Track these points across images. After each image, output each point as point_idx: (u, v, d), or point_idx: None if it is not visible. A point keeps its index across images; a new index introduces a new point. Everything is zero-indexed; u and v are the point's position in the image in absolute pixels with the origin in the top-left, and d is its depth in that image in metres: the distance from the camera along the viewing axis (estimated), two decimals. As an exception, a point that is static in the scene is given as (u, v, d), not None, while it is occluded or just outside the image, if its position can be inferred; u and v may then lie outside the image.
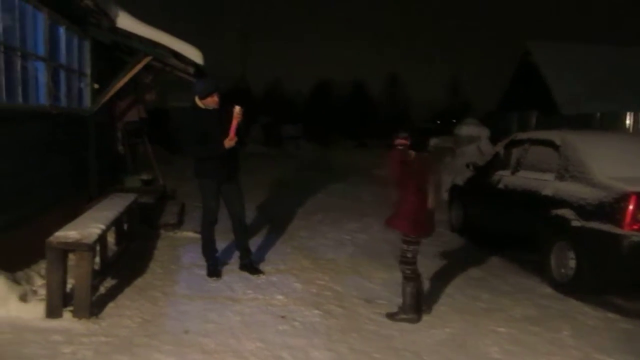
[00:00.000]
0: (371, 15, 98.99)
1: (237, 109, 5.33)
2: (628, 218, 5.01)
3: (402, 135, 4.58)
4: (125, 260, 5.91)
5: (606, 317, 4.90)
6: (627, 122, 11.28)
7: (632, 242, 4.97)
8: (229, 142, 5.31)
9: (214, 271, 5.57)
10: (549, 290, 5.61)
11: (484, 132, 15.08)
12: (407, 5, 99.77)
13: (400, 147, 4.56)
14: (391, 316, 4.61)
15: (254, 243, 6.65)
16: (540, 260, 5.96)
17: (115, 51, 9.19)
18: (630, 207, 5.01)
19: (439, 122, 50.06)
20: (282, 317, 4.52)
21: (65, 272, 4.30)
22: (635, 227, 4.98)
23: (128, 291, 4.97)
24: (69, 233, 4.42)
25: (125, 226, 6.58)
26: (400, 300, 4.74)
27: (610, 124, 11.55)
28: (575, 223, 5.44)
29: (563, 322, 4.71)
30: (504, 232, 6.93)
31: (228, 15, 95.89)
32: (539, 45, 23.61)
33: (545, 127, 12.23)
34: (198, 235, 6.23)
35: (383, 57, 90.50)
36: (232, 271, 5.72)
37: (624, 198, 5.06)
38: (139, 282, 5.26)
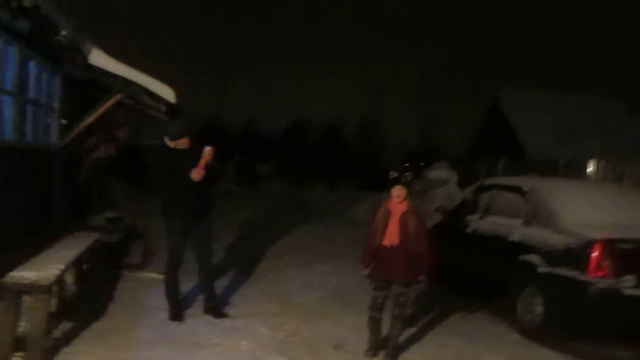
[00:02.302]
0: (348, 58, 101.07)
1: (207, 149, 5.31)
2: (593, 265, 5.07)
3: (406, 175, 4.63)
4: (85, 302, 5.69)
5: (573, 364, 4.88)
6: (591, 169, 11.60)
7: (597, 288, 5.01)
8: (195, 173, 5.23)
9: (177, 314, 5.41)
10: (517, 336, 5.58)
11: (453, 177, 15.25)
12: (383, 50, 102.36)
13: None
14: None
15: (220, 285, 6.51)
16: (508, 305, 5.95)
17: (88, 87, 9.11)
18: (595, 254, 5.08)
19: (406, 165, 50.63)
20: (246, 363, 4.38)
21: (18, 314, 4.11)
22: (601, 274, 5.04)
23: (86, 335, 4.77)
24: (24, 274, 4.24)
25: (87, 266, 6.38)
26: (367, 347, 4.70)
27: (575, 171, 11.84)
28: (542, 269, 5.48)
29: (531, 369, 4.67)
30: (472, 277, 6.92)
31: (204, 55, 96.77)
32: (509, 92, 24.34)
33: (513, 173, 12.47)
34: (162, 277, 6.05)
35: (357, 99, 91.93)
36: (196, 315, 5.56)
37: (589, 245, 5.13)
38: (97, 325, 5.06)
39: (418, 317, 5.98)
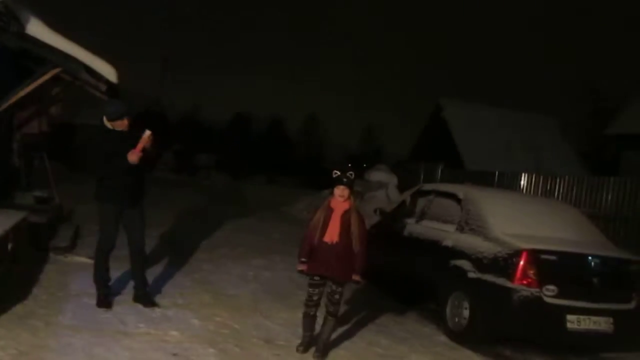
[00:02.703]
0: (297, 58, 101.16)
1: (147, 133, 5.16)
2: (519, 273, 5.29)
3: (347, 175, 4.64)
4: (6, 285, 5.39)
5: (495, 367, 5.08)
6: (522, 182, 12.15)
7: (521, 295, 5.24)
8: (132, 155, 5.07)
9: (105, 301, 5.23)
10: (443, 338, 5.76)
11: (392, 179, 15.56)
12: (331, 51, 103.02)
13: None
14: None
15: (152, 273, 6.34)
16: (437, 308, 6.13)
17: (23, 59, 8.64)
18: (522, 262, 5.30)
19: (350, 165, 51.28)
20: (174, 354, 4.29)
21: None
22: (525, 282, 5.27)
23: (5, 318, 4.53)
24: (-59, 250, 3.98)
25: (10, 246, 6.05)
26: (299, 342, 4.72)
27: (508, 183, 12.36)
28: (472, 275, 5.67)
29: (455, 371, 4.82)
30: (405, 279, 7.08)
31: (153, 39, 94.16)
32: (450, 102, 25.10)
33: (450, 180, 12.85)
34: (91, 261, 5.84)
35: (303, 98, 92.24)
36: (125, 302, 5.40)
37: (516, 254, 5.36)
38: (19, 309, 4.82)
39: (350, 315, 6.06)
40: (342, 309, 6.27)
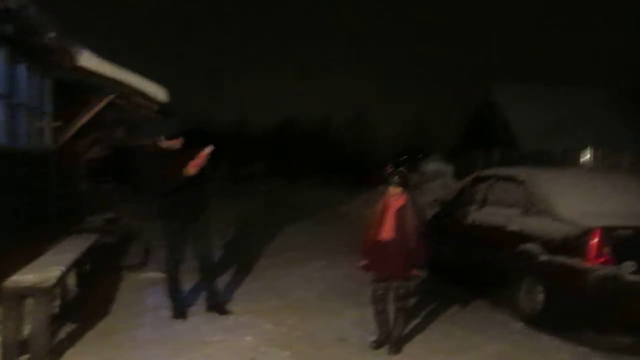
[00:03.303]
0: (337, 54, 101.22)
1: (209, 148, 5.26)
2: (593, 252, 5.09)
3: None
4: (87, 303, 5.67)
5: (577, 351, 4.91)
6: (586, 157, 11.68)
7: (597, 275, 5.04)
8: (189, 169, 5.19)
9: (180, 313, 5.39)
10: (520, 325, 5.61)
11: (448, 168, 15.36)
12: (373, 45, 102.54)
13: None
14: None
15: (221, 282, 6.48)
16: (509, 295, 5.98)
17: (79, 89, 9.05)
18: (595, 240, 5.09)
19: (401, 157, 50.82)
20: (252, 359, 4.37)
21: (21, 318, 4.08)
22: (600, 260, 5.07)
23: (89, 336, 4.75)
24: (25, 277, 4.21)
25: (87, 267, 6.34)
26: (373, 338, 4.71)
27: (570, 160, 11.93)
28: (543, 257, 5.50)
29: (536, 357, 4.70)
30: (472, 268, 6.95)
31: (195, 54, 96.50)
32: (501, 86, 24.50)
33: (507, 164, 12.53)
34: (163, 276, 6.04)
35: (348, 95, 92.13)
36: (199, 312, 5.55)
37: (588, 232, 5.15)
38: (101, 326, 5.04)
39: (421, 308, 6.00)
40: (412, 301, 6.27)
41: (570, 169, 9.20)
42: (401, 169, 4.73)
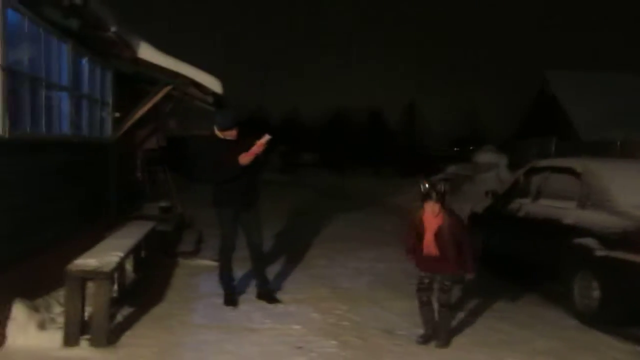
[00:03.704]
0: (390, 44, 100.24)
1: (266, 137, 5.35)
2: (653, 248, 4.89)
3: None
4: (143, 288, 5.90)
5: (634, 350, 4.75)
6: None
7: (657, 272, 4.84)
8: (244, 158, 5.29)
9: (231, 300, 5.54)
10: (572, 321, 5.47)
11: (502, 160, 15.00)
12: (424, 35, 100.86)
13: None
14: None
15: (272, 271, 6.62)
16: (562, 290, 5.83)
17: (137, 81, 9.37)
18: (656, 236, 4.89)
19: (456, 149, 49.95)
20: (299, 347, 4.45)
21: (83, 300, 4.30)
22: (662, 257, 4.86)
23: (145, 320, 4.95)
24: (87, 261, 4.44)
25: (143, 254, 6.60)
26: (420, 332, 4.71)
27: (630, 151, 11.41)
28: (599, 252, 5.32)
29: (589, 355, 4.57)
30: (524, 261, 6.81)
31: (247, 45, 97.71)
32: (557, 74, 23.67)
33: (564, 155, 12.12)
34: (215, 264, 6.22)
35: (400, 85, 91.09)
36: (249, 300, 5.68)
37: (648, 227, 4.95)
38: (156, 310, 5.24)
39: (469, 301, 5.94)
40: (460, 294, 6.21)
41: (628, 160, 8.81)
42: (439, 184, 4.48)
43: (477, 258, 4.61)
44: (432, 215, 4.47)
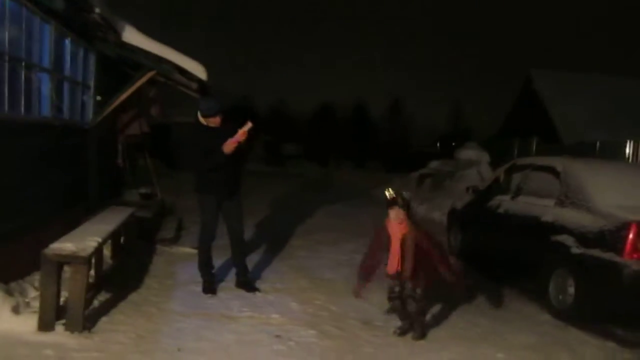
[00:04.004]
0: (374, 41, 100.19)
1: (249, 123, 5.31)
2: (628, 247, 4.98)
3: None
4: (121, 275, 5.85)
5: (605, 346, 4.84)
6: (627, 151, 11.34)
7: (632, 270, 4.93)
8: (228, 146, 5.25)
9: (210, 288, 5.52)
10: (547, 317, 5.55)
11: (484, 157, 15.12)
12: (410, 31, 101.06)
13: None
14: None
15: (252, 260, 6.61)
16: (539, 286, 5.90)
17: (121, 65, 9.25)
18: (631, 236, 4.98)
19: (439, 145, 50.27)
20: (278, 336, 4.46)
21: (59, 284, 4.24)
22: (636, 256, 4.95)
23: (122, 306, 4.91)
24: (64, 245, 4.38)
25: (122, 240, 6.54)
26: (397, 323, 4.73)
27: (610, 153, 11.59)
28: (575, 250, 5.40)
29: (562, 350, 4.64)
30: (502, 257, 6.88)
31: (234, 34, 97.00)
32: (541, 74, 23.85)
33: (545, 154, 12.28)
34: (195, 251, 6.19)
35: (385, 81, 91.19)
36: (228, 288, 5.67)
37: (624, 227, 5.04)
38: (134, 297, 5.20)
39: (447, 296, 5.98)
40: (442, 290, 6.24)
41: (610, 161, 8.94)
42: (404, 193, 4.45)
43: (459, 272, 4.58)
44: (397, 222, 4.40)
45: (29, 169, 5.53)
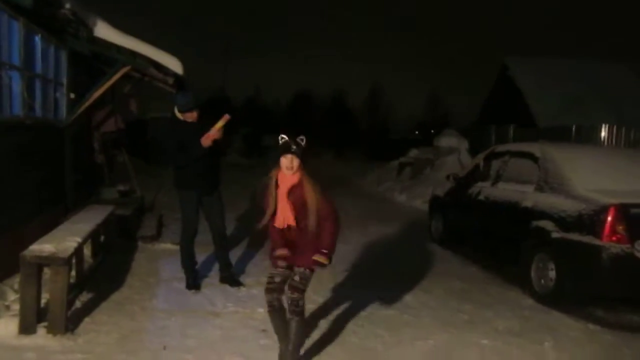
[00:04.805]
0: (352, 28, 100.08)
1: (226, 116, 5.26)
2: (607, 230, 5.06)
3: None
4: (102, 274, 5.77)
5: (587, 328, 4.93)
6: (602, 134, 11.53)
7: (611, 253, 5.01)
8: (206, 140, 5.20)
9: (194, 284, 5.48)
10: (530, 301, 5.63)
11: (463, 144, 15.24)
12: (387, 19, 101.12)
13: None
14: None
15: (234, 255, 6.56)
16: (521, 271, 5.98)
17: (94, 61, 9.06)
18: (609, 218, 5.06)
19: (417, 132, 50.55)
20: (263, 330, 4.42)
21: (39, 286, 4.16)
22: (614, 238, 5.04)
23: (105, 306, 4.84)
24: (44, 247, 4.29)
25: (102, 238, 6.44)
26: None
27: (586, 136, 11.78)
28: (555, 235, 5.48)
29: (545, 333, 4.71)
30: (484, 244, 6.96)
31: (208, 25, 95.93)
32: (517, 60, 24.04)
33: (522, 140, 12.41)
34: (176, 248, 6.13)
35: (362, 69, 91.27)
36: (212, 284, 5.63)
37: (603, 210, 5.12)
38: (116, 296, 5.13)
39: (432, 283, 6.04)
40: (422, 275, 6.30)
41: (587, 145, 9.08)
42: (300, 138, 3.70)
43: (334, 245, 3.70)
44: (288, 174, 3.66)
45: (3, 170, 5.40)
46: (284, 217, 3.68)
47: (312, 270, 3.74)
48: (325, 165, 23.41)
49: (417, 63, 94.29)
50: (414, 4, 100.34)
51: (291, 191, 3.66)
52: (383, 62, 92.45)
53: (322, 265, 3.66)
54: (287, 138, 3.69)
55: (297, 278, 3.70)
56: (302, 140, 3.68)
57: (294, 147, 3.64)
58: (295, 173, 3.66)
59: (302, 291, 3.69)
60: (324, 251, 3.65)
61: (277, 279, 3.75)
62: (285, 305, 3.71)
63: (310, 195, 3.63)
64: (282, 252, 3.68)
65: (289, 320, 3.70)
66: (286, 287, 3.71)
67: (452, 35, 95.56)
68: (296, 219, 3.67)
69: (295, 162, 3.64)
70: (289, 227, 3.71)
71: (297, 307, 3.66)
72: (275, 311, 3.75)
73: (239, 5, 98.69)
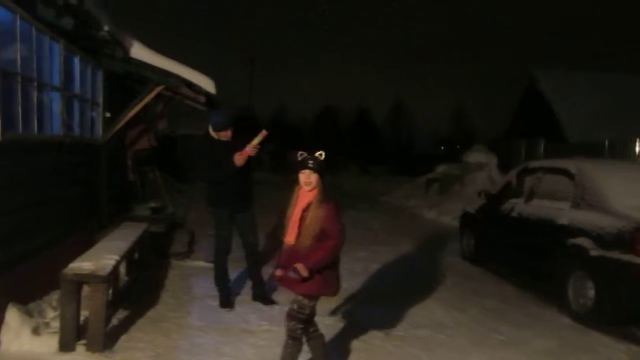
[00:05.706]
0: (376, 43, 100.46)
1: (263, 132, 5.32)
2: (648, 248, 4.93)
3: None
4: (137, 291, 5.84)
5: (629, 349, 4.79)
6: (637, 149, 11.27)
7: (652, 272, 4.88)
8: (240, 157, 5.24)
9: (227, 302, 5.49)
10: (567, 321, 5.50)
11: (492, 159, 15.06)
12: (413, 33, 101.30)
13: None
14: None
15: (267, 272, 6.56)
16: (557, 290, 5.86)
17: (128, 80, 9.27)
18: (650, 236, 4.93)
19: (442, 148, 50.20)
20: (298, 350, 4.42)
21: (79, 304, 4.23)
22: (656, 256, 4.90)
23: (140, 323, 4.89)
24: (83, 264, 4.37)
25: (136, 255, 6.53)
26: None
27: (619, 151, 11.53)
28: (594, 252, 5.36)
29: (584, 354, 4.60)
30: (518, 261, 6.84)
31: (232, 41, 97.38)
32: (545, 74, 23.74)
33: (554, 155, 12.20)
34: (209, 265, 6.17)
35: (388, 84, 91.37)
36: (245, 302, 5.64)
37: (642, 227, 4.99)
38: (151, 313, 5.18)
39: (466, 302, 5.95)
40: (455, 294, 6.21)
41: (621, 161, 8.90)
42: (319, 153, 3.60)
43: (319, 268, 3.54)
44: (307, 189, 3.57)
45: (44, 188, 5.53)
46: (291, 233, 3.60)
47: (310, 298, 3.61)
48: (351, 182, 23.40)
49: (440, 78, 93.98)
50: (441, 16, 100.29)
51: (307, 208, 3.55)
52: (407, 77, 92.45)
53: (299, 274, 3.44)
54: (305, 154, 3.61)
55: (294, 306, 3.62)
56: (320, 155, 3.59)
57: (311, 162, 3.55)
58: (313, 189, 3.56)
59: (300, 320, 3.60)
60: (309, 264, 3.46)
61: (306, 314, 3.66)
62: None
63: (312, 214, 3.50)
64: (274, 272, 3.67)
65: (286, 344, 3.68)
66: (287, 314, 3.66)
67: (474, 49, 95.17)
68: (298, 237, 3.57)
69: (313, 177, 3.54)
70: (290, 245, 3.63)
71: (294, 334, 3.62)
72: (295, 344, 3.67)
73: (261, 20, 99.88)
